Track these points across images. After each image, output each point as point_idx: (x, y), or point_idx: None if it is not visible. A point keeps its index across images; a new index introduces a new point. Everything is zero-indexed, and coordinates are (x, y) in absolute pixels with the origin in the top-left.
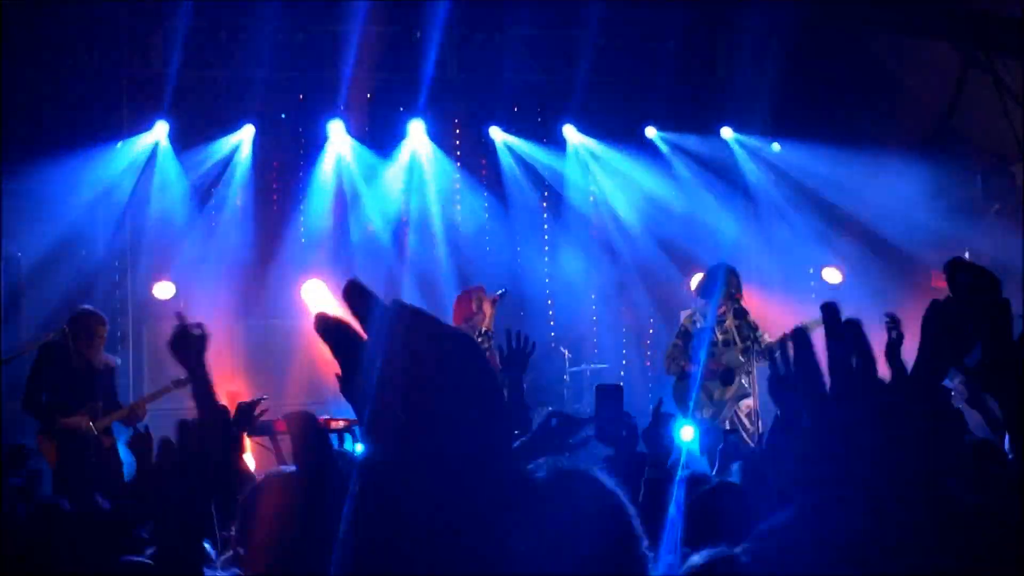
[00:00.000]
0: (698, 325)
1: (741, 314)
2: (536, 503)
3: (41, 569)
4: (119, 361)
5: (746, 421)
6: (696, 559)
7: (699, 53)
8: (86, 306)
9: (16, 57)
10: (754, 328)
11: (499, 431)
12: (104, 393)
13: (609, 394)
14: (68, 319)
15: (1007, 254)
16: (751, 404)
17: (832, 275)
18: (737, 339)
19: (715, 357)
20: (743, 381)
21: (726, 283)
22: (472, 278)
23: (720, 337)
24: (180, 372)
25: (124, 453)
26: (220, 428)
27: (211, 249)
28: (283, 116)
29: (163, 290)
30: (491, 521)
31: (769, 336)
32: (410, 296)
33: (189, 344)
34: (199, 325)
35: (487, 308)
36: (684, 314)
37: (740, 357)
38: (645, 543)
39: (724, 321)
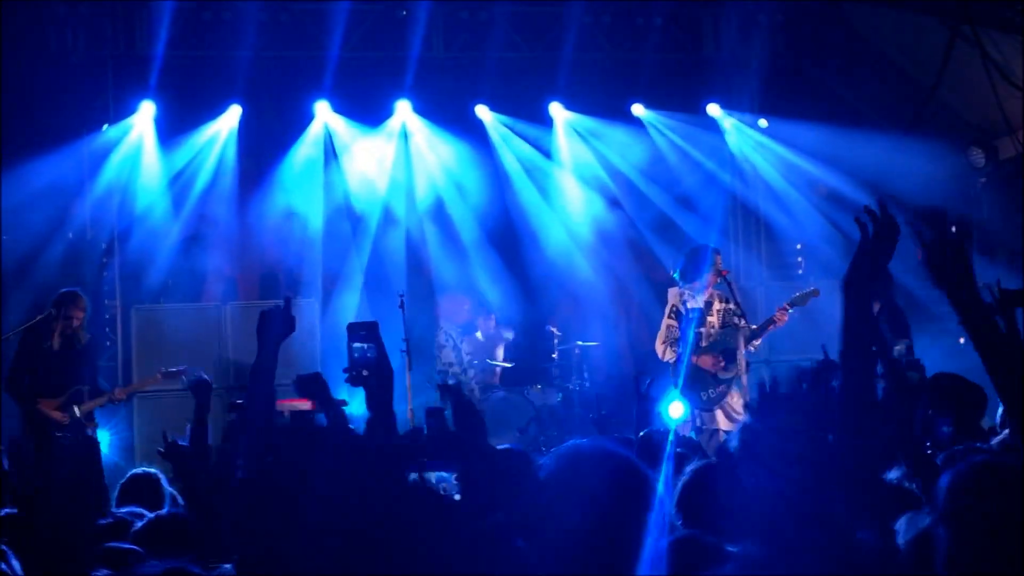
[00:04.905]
0: (688, 305)
1: (724, 299)
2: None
3: None
4: (88, 336)
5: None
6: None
7: (686, 30)
8: (67, 288)
9: (1, 41)
10: (737, 312)
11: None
12: (89, 374)
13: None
14: (51, 302)
15: (993, 227)
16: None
17: None
18: (731, 321)
19: (706, 343)
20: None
21: (712, 263)
22: (461, 255)
23: (710, 320)
24: (168, 362)
25: (107, 439)
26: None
27: (197, 230)
28: (269, 96)
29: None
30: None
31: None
32: (399, 273)
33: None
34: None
35: None
36: (673, 292)
37: (730, 339)
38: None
39: (712, 305)
